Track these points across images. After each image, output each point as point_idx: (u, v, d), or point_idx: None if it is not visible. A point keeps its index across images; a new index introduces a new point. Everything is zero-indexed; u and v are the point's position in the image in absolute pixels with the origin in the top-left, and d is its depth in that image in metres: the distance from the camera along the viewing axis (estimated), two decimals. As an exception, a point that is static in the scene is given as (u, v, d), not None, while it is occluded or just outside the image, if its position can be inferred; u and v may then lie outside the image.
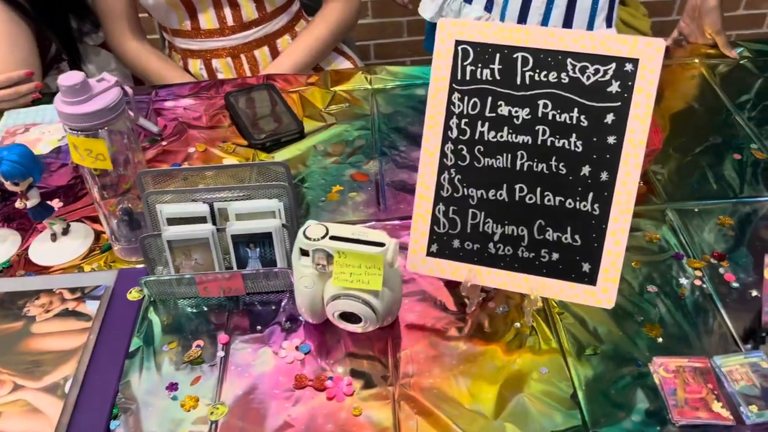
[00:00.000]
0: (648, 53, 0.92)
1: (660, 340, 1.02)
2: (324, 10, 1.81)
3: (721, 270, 1.10)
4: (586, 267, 0.98)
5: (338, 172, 1.35)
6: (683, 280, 1.11)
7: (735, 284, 1.09)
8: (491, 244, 1.02)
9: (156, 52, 1.76)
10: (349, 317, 0.99)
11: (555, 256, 0.99)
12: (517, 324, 1.05)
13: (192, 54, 1.79)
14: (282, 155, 1.40)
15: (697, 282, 1.10)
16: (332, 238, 0.94)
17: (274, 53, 1.80)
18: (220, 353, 1.02)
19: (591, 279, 0.98)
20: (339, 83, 1.59)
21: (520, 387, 0.96)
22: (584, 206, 0.97)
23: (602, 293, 0.98)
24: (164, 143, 1.43)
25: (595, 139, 0.95)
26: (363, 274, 0.92)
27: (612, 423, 0.91)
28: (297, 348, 1.01)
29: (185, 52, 1.79)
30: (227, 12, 1.70)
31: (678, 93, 1.54)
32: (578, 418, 0.92)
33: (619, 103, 0.94)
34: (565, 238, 0.99)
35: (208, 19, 1.71)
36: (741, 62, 1.63)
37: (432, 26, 1.98)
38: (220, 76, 1.79)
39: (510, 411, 0.93)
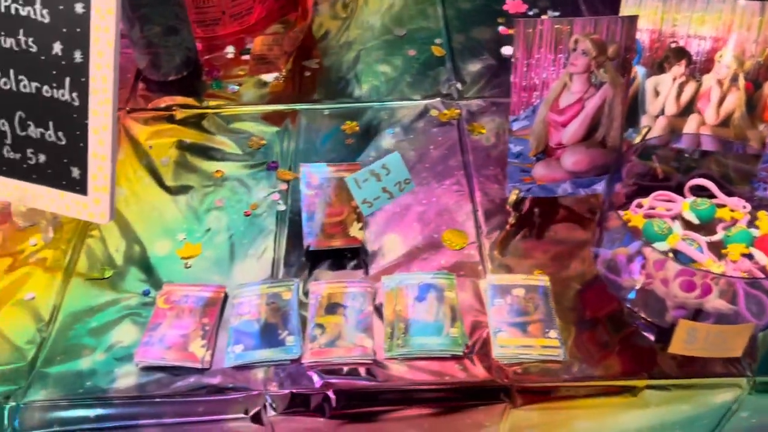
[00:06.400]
0: None
1: (189, 264, 0.85)
2: None
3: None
4: (75, 172, 0.79)
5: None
6: (260, 194, 0.94)
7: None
8: (-25, 142, 0.82)
9: None
10: None
11: (42, 157, 0.80)
12: (33, 240, 0.88)
13: None
14: None
15: (275, 197, 0.93)
16: None
17: None
18: None
19: (82, 187, 0.79)
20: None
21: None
22: (62, 95, 0.77)
23: (94, 205, 0.79)
24: None
25: (61, 7, 0.74)
26: None
27: (66, 364, 0.75)
28: None
29: None
30: None
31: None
32: (27, 356, 0.74)
33: (81, -42, 0.73)
34: (49, 136, 0.79)
35: None
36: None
37: None
38: None
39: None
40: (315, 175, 0.82)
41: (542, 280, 0.80)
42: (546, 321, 0.76)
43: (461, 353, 0.74)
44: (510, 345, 0.74)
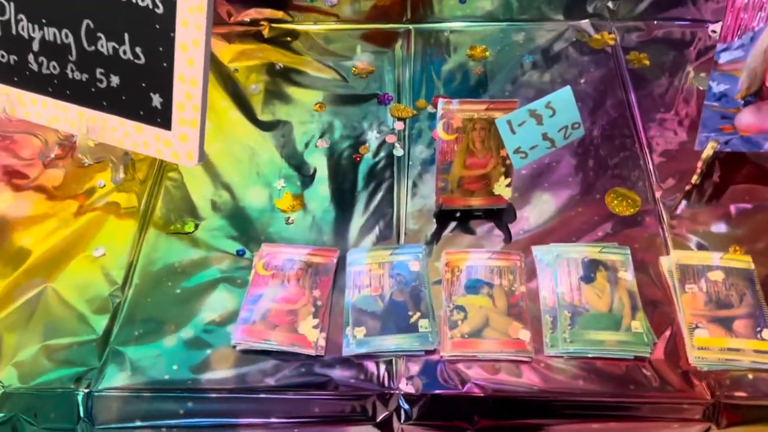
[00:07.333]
0: None
1: (291, 218, 0.70)
2: None
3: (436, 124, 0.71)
4: (156, 100, 0.62)
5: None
6: (371, 135, 0.77)
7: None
8: (32, 56, 0.65)
9: None
10: None
11: (114, 80, 0.63)
12: (101, 181, 0.73)
13: None
14: None
15: (391, 138, 0.76)
16: None
17: None
18: None
19: (164, 119, 0.63)
20: None
21: (51, 273, 0.63)
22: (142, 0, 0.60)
23: (179, 142, 0.63)
24: None
25: None
26: None
27: (146, 342, 0.60)
28: None
29: None
30: None
31: None
32: (98, 329, 0.60)
33: None
34: (124, 52, 0.62)
35: None
36: None
37: None
38: None
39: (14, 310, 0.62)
40: (456, 114, 0.64)
41: (744, 260, 0.63)
42: (756, 316, 0.59)
43: (648, 354, 0.58)
44: (712, 347, 0.57)
